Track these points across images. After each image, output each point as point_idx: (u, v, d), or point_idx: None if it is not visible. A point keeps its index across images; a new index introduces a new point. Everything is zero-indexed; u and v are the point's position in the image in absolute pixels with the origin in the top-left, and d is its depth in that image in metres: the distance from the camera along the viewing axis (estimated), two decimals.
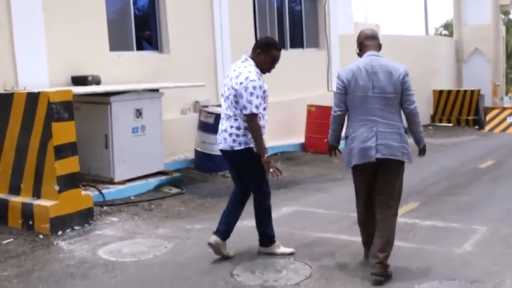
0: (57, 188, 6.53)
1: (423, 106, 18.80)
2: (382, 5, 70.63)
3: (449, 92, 20.25)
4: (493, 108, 20.80)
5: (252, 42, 12.74)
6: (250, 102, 5.29)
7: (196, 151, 10.21)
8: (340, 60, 15.28)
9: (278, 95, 12.87)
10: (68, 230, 6.59)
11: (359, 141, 5.02)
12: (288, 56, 13.74)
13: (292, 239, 6.20)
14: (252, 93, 5.30)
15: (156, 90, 9.01)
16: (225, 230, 5.72)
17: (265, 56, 5.52)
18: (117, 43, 9.70)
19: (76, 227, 6.69)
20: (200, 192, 8.74)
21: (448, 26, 47.86)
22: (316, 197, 8.45)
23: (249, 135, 5.40)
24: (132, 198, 8.18)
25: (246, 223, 7.03)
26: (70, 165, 6.66)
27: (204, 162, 10.08)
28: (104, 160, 8.29)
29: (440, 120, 20.17)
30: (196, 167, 10.15)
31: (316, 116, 12.94)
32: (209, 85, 10.93)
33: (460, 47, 23.06)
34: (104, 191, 7.91)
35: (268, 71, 5.64)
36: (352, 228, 6.68)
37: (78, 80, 8.65)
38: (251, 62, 5.52)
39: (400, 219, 7.03)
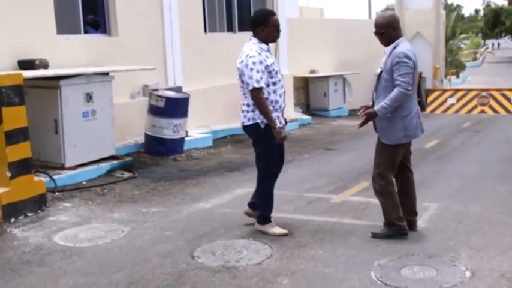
0: (8, 174, 6.36)
1: (367, 89, 19.08)
2: None
3: None
4: (434, 91, 21.38)
5: (201, 25, 12.87)
6: (251, 77, 5.47)
7: (146, 135, 10.14)
8: (288, 43, 15.36)
9: (227, 77, 12.86)
10: (20, 217, 6.45)
11: (417, 117, 5.52)
12: (236, 39, 13.73)
13: (249, 220, 6.23)
14: (252, 69, 5.47)
15: (106, 73, 8.87)
16: (253, 202, 6.08)
17: (268, 28, 5.65)
18: (64, 26, 9.47)
19: (29, 214, 6.56)
20: (152, 176, 8.69)
21: (388, 11, 48.68)
22: None
23: (256, 111, 5.58)
24: (84, 183, 8.07)
25: (203, 205, 7.08)
26: (22, 150, 6.51)
27: (154, 146, 10.03)
28: (53, 145, 8.13)
29: None
30: (147, 151, 10.08)
31: None
32: (158, 69, 10.85)
33: (402, 31, 23.47)
34: (55, 177, 7.75)
35: (276, 38, 5.78)
36: (307, 208, 6.82)
37: (25, 64, 8.41)
38: (254, 40, 5.67)
39: (353, 198, 7.27)
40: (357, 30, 19.78)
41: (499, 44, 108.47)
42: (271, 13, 5.77)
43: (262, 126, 5.57)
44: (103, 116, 8.66)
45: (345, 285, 4.58)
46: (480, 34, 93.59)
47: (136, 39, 10.69)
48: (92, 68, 9.08)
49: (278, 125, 5.66)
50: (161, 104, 9.96)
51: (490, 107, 19.93)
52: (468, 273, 4.71)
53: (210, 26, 13.18)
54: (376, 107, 5.42)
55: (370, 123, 5.60)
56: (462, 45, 66.81)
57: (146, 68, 9.80)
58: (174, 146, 10.16)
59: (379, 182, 5.56)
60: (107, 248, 5.59)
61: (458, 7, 70.09)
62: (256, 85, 5.45)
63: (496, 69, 63.69)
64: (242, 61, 5.57)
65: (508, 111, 19.61)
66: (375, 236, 5.60)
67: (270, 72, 5.55)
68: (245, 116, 5.68)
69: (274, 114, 5.61)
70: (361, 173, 8.81)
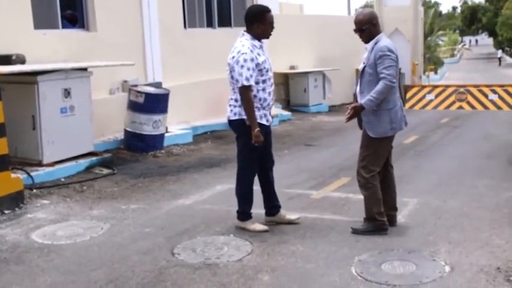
0: None
1: (347, 85, 19.19)
2: None
3: None
4: (412, 87, 21.49)
5: (181, 20, 12.80)
6: (240, 74, 5.41)
7: (126, 131, 10.07)
8: (268, 40, 15.33)
9: (207, 73, 12.85)
10: None
11: (401, 110, 5.58)
12: (216, 34, 13.72)
13: (229, 216, 6.22)
14: (242, 66, 5.41)
15: (85, 69, 8.78)
16: (269, 206, 6.01)
17: (264, 24, 5.59)
18: (41, 21, 9.36)
19: (6, 211, 6.47)
20: (132, 173, 8.63)
21: (367, 7, 48.89)
22: None
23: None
24: (63, 180, 7.99)
25: (183, 201, 7.05)
26: None
27: (134, 142, 9.97)
28: (31, 142, 8.03)
29: None
30: (127, 147, 10.02)
31: None
32: (137, 64, 10.76)
33: (381, 27, 23.60)
34: (32, 174, 7.67)
35: (269, 36, 5.72)
36: (288, 204, 6.80)
37: (2, 59, 8.29)
38: (247, 36, 5.60)
39: (334, 194, 7.28)
40: (337, 26, 19.81)
41: (476, 41, 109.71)
42: (267, 9, 5.67)
43: (248, 122, 5.52)
44: (81, 111, 8.58)
45: (325, 280, 4.58)
46: (457, 31, 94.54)
47: (115, 34, 10.60)
48: (70, 63, 8.98)
49: (265, 123, 5.64)
50: (141, 99, 9.89)
51: (468, 103, 20.09)
52: (447, 268, 4.74)
53: (189, 21, 13.11)
54: (362, 100, 5.44)
55: (355, 120, 5.63)
56: (440, 42, 67.35)
57: (125, 64, 9.72)
58: (154, 142, 10.10)
59: (363, 175, 5.58)
60: (85, 245, 5.53)
61: (436, 4, 70.68)
62: (245, 83, 5.41)
63: (473, 65, 64.37)
64: (233, 57, 5.50)
65: (485, 107, 19.79)
66: (355, 231, 5.62)
67: (260, 70, 5.51)
68: (231, 111, 5.64)
69: (261, 112, 5.59)
70: (341, 169, 8.84)
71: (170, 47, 12.02)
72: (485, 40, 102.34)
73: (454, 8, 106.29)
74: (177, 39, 12.34)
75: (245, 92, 5.43)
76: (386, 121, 5.47)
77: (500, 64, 64.75)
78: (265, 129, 5.67)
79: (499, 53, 71.01)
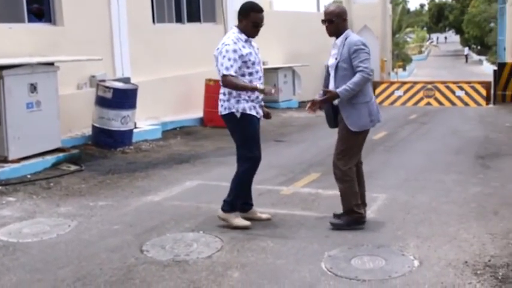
0: None
1: (316, 81, 19.23)
2: None
3: None
4: (381, 83, 21.71)
5: (149, 15, 12.71)
6: (222, 64, 5.46)
7: (94, 127, 9.95)
8: None
9: (176, 69, 12.76)
10: None
11: (376, 103, 5.64)
12: (185, 30, 13.64)
13: (199, 212, 6.20)
14: (224, 56, 5.45)
15: (52, 64, 8.65)
16: (243, 203, 5.91)
17: (246, 21, 5.59)
18: (7, 14, 9.21)
19: None
20: (100, 169, 8.52)
21: (336, 3, 49.14)
22: (219, 171, 8.46)
23: (231, 100, 5.54)
24: (29, 176, 7.85)
25: (152, 198, 6.98)
26: None
27: (102, 138, 9.85)
28: None
29: None
30: (95, 143, 9.90)
31: (215, 90, 12.86)
32: (106, 59, 10.63)
33: (350, 24, 23.75)
34: None
35: (253, 35, 5.69)
36: (258, 200, 6.77)
37: None
38: (234, 30, 5.64)
39: (303, 190, 7.29)
40: (306, 22, 19.88)
41: (445, 38, 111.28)
42: (256, 9, 5.62)
43: (238, 115, 5.53)
44: (48, 107, 8.45)
45: (295, 276, 4.57)
46: (425, 28, 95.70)
47: (83, 29, 10.46)
48: (37, 57, 8.83)
49: (255, 114, 5.64)
50: (109, 95, 9.78)
51: (436, 99, 20.38)
52: (416, 262, 4.77)
53: (158, 16, 13.02)
54: (338, 89, 5.43)
55: (323, 116, 5.65)
56: (408, 39, 68.06)
57: (93, 59, 9.60)
58: (122, 138, 9.99)
59: (341, 168, 5.58)
60: (52, 243, 5.44)
61: (404, 1, 71.38)
62: (225, 72, 5.42)
63: (441, 62, 65.27)
64: (218, 48, 5.56)
65: (452, 103, 20.08)
66: (335, 226, 5.60)
67: (245, 62, 5.52)
68: (222, 105, 5.64)
69: (250, 104, 5.59)
70: (311, 165, 8.86)
71: (139, 42, 11.91)
72: (452, 37, 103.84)
73: (422, 6, 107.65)
74: (145, 34, 12.23)
75: (225, 79, 5.45)
76: (365, 114, 5.50)
77: (467, 61, 65.75)
78: (256, 122, 5.68)
79: (466, 50, 72.06)
